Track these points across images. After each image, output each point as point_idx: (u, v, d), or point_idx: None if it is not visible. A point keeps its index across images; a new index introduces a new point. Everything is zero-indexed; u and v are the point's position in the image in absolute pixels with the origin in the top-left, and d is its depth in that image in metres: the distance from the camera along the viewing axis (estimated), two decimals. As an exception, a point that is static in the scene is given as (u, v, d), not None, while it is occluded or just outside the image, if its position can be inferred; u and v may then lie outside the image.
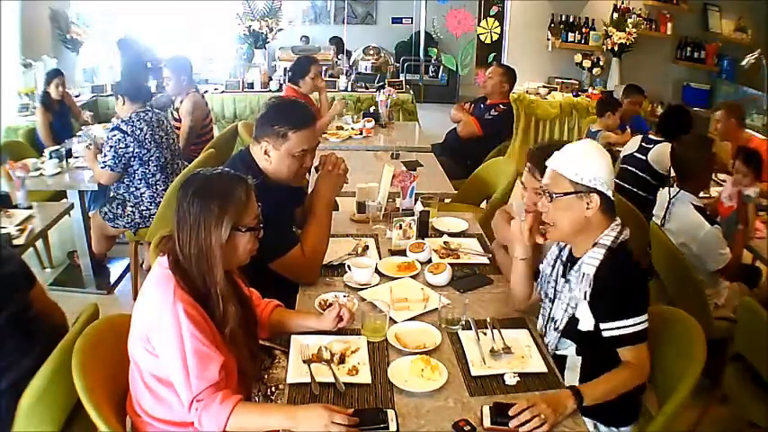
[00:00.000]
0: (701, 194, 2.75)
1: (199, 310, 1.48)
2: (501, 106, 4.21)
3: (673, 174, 2.71)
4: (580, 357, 1.75)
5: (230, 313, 1.53)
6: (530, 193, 2.11)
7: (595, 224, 1.70)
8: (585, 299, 1.68)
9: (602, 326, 1.66)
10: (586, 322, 1.70)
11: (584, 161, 1.68)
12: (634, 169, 3.65)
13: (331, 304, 1.92)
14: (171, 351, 1.43)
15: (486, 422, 1.46)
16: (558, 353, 1.80)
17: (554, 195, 1.70)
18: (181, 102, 4.16)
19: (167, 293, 1.46)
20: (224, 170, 1.62)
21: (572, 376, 1.76)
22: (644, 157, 3.59)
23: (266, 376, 1.75)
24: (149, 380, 1.52)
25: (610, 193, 1.68)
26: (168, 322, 1.43)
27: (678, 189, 2.61)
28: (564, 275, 1.80)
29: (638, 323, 1.63)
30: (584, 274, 1.70)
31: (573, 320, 1.73)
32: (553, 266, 1.87)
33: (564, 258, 1.84)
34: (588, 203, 1.67)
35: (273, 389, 1.70)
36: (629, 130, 4.48)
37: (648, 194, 3.48)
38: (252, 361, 1.67)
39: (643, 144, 3.65)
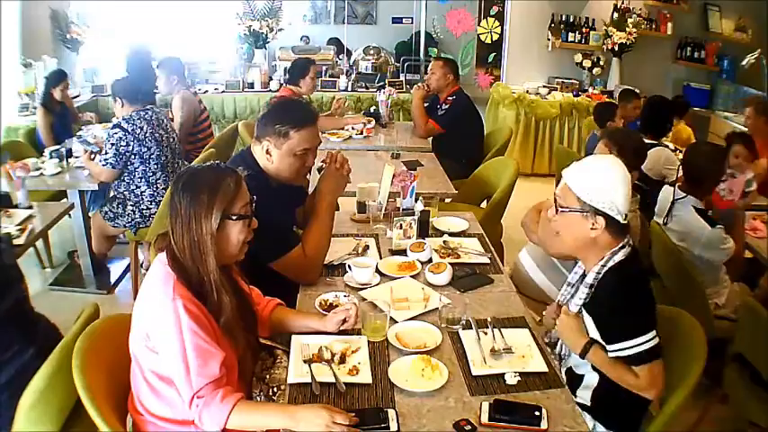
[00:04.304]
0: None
1: (199, 306, 1.48)
2: (449, 98, 4.23)
3: (680, 174, 2.70)
4: (598, 375, 1.74)
5: (225, 303, 1.53)
6: None
7: (601, 244, 1.67)
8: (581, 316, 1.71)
9: (608, 347, 1.66)
10: (597, 337, 1.71)
11: (596, 182, 1.63)
12: None
13: (332, 304, 1.93)
14: (171, 348, 1.43)
15: (485, 418, 1.46)
16: (576, 371, 1.80)
17: (560, 209, 1.69)
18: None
19: (167, 290, 1.46)
20: (213, 163, 1.63)
21: (585, 394, 1.76)
22: None
23: (268, 376, 1.75)
24: (150, 377, 1.52)
25: (620, 218, 1.63)
26: (168, 319, 1.43)
27: (684, 194, 2.62)
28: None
29: (638, 344, 1.60)
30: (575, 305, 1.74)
31: None
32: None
33: (579, 274, 1.84)
34: (594, 224, 1.64)
35: (275, 389, 1.70)
36: None
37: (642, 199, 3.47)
38: (251, 355, 1.67)
39: None
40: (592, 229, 1.64)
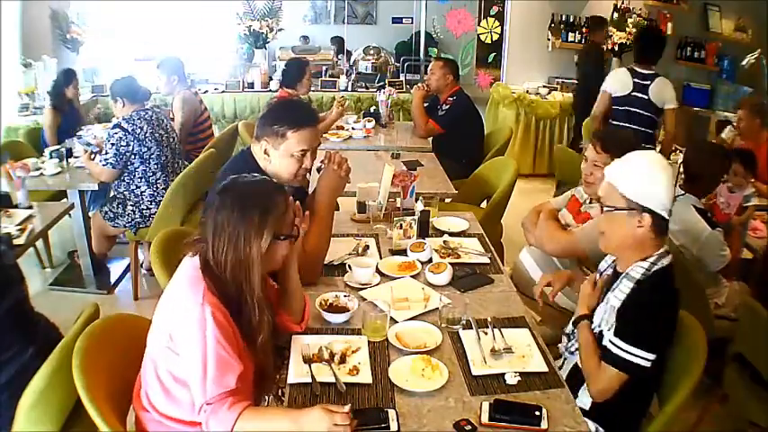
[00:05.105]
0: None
1: (226, 316, 1.46)
2: (450, 99, 4.23)
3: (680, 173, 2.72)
4: None
5: (265, 322, 1.52)
6: (589, 164, 2.29)
7: (645, 243, 1.66)
8: (610, 330, 1.68)
9: (607, 336, 1.66)
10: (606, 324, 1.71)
11: (641, 178, 1.63)
12: (639, 110, 3.67)
13: (332, 304, 1.93)
14: (193, 353, 1.42)
15: (485, 418, 1.46)
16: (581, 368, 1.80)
17: (605, 208, 1.69)
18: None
19: (197, 294, 1.44)
20: (263, 178, 1.62)
21: (586, 399, 1.75)
22: (646, 96, 3.63)
23: (278, 377, 1.75)
24: (165, 377, 1.51)
25: (665, 214, 1.63)
26: (194, 323, 1.42)
27: (683, 191, 2.62)
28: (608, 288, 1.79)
29: (635, 354, 1.60)
30: (611, 306, 1.70)
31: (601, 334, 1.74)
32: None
33: (611, 265, 1.84)
34: (639, 222, 1.63)
35: (284, 389, 1.69)
36: None
37: (645, 128, 3.64)
38: (272, 364, 1.66)
39: (637, 81, 3.67)
40: (638, 227, 1.64)
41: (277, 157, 2.03)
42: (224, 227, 1.47)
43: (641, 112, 3.65)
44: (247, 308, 1.49)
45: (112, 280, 3.79)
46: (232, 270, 1.48)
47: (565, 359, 1.90)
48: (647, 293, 1.65)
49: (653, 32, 3.82)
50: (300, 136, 2.02)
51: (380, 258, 2.29)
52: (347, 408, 1.36)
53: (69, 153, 3.66)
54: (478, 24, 6.69)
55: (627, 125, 3.67)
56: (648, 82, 3.61)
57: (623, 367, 1.63)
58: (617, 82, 3.82)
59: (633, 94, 3.68)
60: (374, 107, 5.01)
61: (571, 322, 1.76)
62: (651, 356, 1.61)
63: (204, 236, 1.51)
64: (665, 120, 3.70)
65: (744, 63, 6.14)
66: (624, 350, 1.62)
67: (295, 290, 1.74)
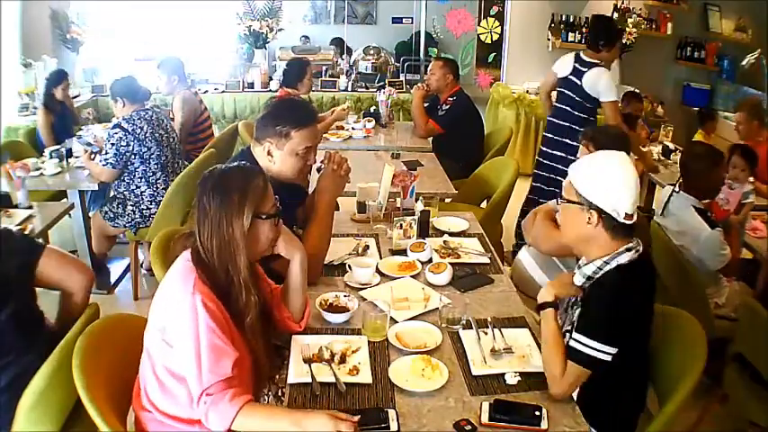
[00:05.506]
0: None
1: (217, 305, 1.48)
2: (450, 99, 4.24)
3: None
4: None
5: (252, 303, 1.54)
6: None
7: (601, 241, 1.65)
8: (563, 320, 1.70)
9: (574, 334, 1.63)
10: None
11: (595, 176, 1.63)
12: (569, 92, 3.78)
13: (332, 304, 1.93)
14: (185, 342, 1.43)
15: (485, 418, 1.47)
16: None
17: (559, 200, 1.72)
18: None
19: (187, 285, 1.47)
20: (239, 163, 1.66)
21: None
22: (579, 82, 3.70)
23: (277, 376, 1.75)
24: (161, 372, 1.51)
25: (616, 216, 1.60)
26: (186, 312, 1.44)
27: (680, 190, 2.62)
28: None
29: (591, 347, 1.56)
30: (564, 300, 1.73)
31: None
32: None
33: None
34: (589, 218, 1.63)
35: (284, 389, 1.70)
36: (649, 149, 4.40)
37: (586, 115, 3.71)
38: (267, 356, 1.67)
39: (577, 66, 3.74)
40: (588, 223, 1.64)
41: (281, 157, 2.04)
42: (207, 212, 1.51)
43: (574, 96, 3.75)
44: (235, 290, 1.52)
45: (112, 280, 3.80)
46: (218, 254, 1.51)
47: None
48: (596, 290, 1.65)
49: (602, 22, 3.83)
50: (304, 134, 2.03)
51: (380, 258, 2.29)
52: (356, 417, 1.37)
53: (69, 153, 3.66)
54: (478, 24, 6.69)
55: (564, 107, 3.80)
56: (586, 69, 3.68)
57: (586, 363, 1.57)
58: (561, 63, 3.93)
59: (569, 77, 3.78)
60: (374, 107, 5.01)
61: (536, 306, 1.70)
62: (609, 348, 1.56)
63: (193, 228, 1.55)
64: (604, 112, 3.75)
65: (744, 63, 6.14)
66: (577, 340, 1.58)
67: (299, 287, 1.76)
